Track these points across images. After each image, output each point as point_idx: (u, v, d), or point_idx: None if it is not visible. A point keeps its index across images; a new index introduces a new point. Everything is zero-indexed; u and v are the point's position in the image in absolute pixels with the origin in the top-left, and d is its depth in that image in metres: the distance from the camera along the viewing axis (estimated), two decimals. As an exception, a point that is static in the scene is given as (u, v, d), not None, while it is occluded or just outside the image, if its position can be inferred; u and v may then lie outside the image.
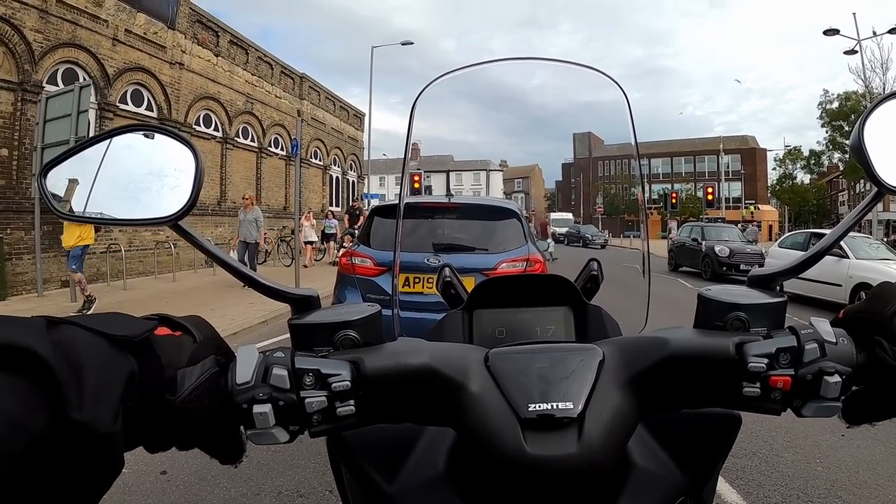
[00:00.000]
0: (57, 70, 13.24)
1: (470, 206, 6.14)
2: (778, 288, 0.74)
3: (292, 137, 17.78)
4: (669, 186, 55.97)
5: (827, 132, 41.52)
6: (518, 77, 1.48)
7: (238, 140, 21.17)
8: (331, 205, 28.43)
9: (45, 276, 11.83)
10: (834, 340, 0.62)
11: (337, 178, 31.29)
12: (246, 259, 13.85)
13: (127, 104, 15.41)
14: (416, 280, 5.11)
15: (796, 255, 0.76)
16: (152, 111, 16.30)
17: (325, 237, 22.45)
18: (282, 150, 24.34)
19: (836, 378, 0.60)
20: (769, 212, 64.59)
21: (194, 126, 18.23)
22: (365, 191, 33.67)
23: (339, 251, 19.54)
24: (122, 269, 13.82)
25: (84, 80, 12.88)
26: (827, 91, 45.29)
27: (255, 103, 22.22)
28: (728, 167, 65.78)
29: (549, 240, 23.17)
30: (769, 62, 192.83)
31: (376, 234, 5.81)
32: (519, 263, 5.22)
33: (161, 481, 4.09)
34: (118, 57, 14.94)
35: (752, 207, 60.29)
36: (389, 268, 5.24)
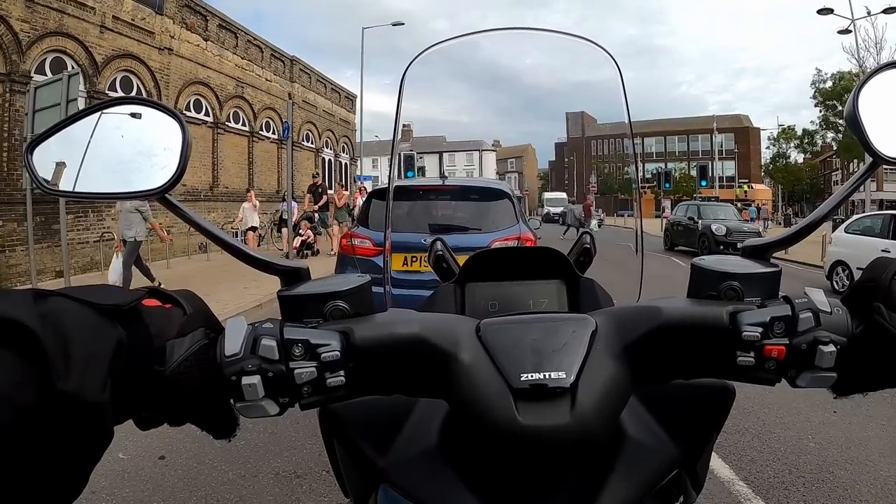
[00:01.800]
0: (45, 59, 13.15)
1: (463, 188, 6.44)
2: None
3: (283, 121, 17.46)
4: (663, 165, 55.70)
5: (820, 111, 41.29)
6: (511, 56, 1.44)
7: (229, 125, 21.09)
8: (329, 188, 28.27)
9: (39, 268, 11.71)
10: (829, 310, 0.61)
11: (329, 160, 31.18)
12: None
13: (116, 91, 15.24)
14: (414, 259, 5.24)
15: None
16: (142, 98, 16.11)
17: (281, 223, 19.02)
18: (273, 133, 24.22)
19: (831, 348, 0.60)
20: (762, 191, 64.15)
21: (185, 111, 18.01)
22: (358, 173, 33.48)
23: (294, 240, 17.37)
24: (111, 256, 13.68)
25: (72, 68, 12.73)
26: (820, 70, 44.86)
27: (246, 87, 22.10)
28: (722, 146, 65.22)
29: (594, 220, 22.67)
30: (763, 41, 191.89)
31: (374, 216, 6.06)
32: (511, 242, 5.40)
33: (159, 466, 4.14)
34: (106, 44, 14.82)
35: (745, 186, 60.34)
36: (398, 249, 5.43)
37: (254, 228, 17.54)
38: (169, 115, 0.74)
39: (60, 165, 0.72)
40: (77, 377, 0.47)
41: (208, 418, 0.62)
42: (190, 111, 18.63)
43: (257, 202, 17.69)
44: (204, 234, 0.74)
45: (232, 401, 0.61)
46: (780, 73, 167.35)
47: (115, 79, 15.34)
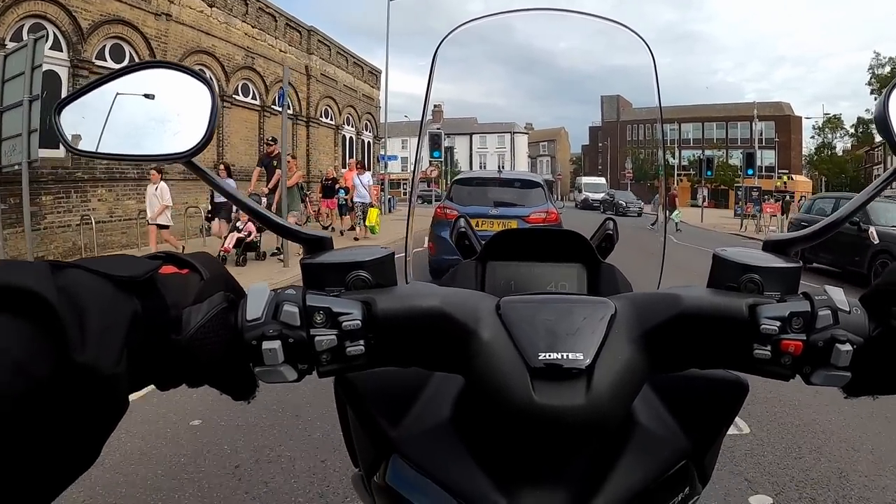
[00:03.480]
0: (22, 26, 12.01)
1: (512, 178, 8.08)
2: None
3: (280, 87, 15.32)
4: (700, 152, 53.82)
5: (876, 99, 38.74)
6: (546, 39, 1.57)
7: (237, 98, 19.76)
8: (344, 167, 26.56)
9: (13, 254, 10.92)
10: (847, 309, 0.62)
11: (351, 138, 29.85)
12: None
13: (105, 60, 14.09)
14: (483, 222, 6.71)
15: None
16: (136, 67, 14.90)
17: (214, 209, 13.53)
18: (288, 108, 22.69)
19: (848, 347, 0.60)
20: (803, 182, 61.84)
21: (185, 84, 16.74)
22: (382, 152, 32.22)
23: (228, 237, 11.95)
24: (94, 241, 12.77)
25: (48, 33, 11.51)
26: (878, 54, 41.78)
27: (257, 58, 20.69)
28: (762, 134, 63.02)
29: (678, 210, 25.23)
30: (804, 28, 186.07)
31: (458, 196, 7.76)
32: (542, 213, 6.88)
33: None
34: (93, 9, 13.61)
35: (785, 177, 58.20)
36: (470, 216, 6.77)
37: (162, 226, 12.26)
38: (198, 79, 0.75)
39: (88, 126, 0.72)
40: (93, 350, 0.48)
41: (227, 381, 0.63)
42: (192, 83, 17.26)
43: (162, 184, 12.16)
44: (229, 199, 0.77)
45: (251, 365, 0.61)
46: (820, 63, 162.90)
47: (103, 46, 14.14)
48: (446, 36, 1.11)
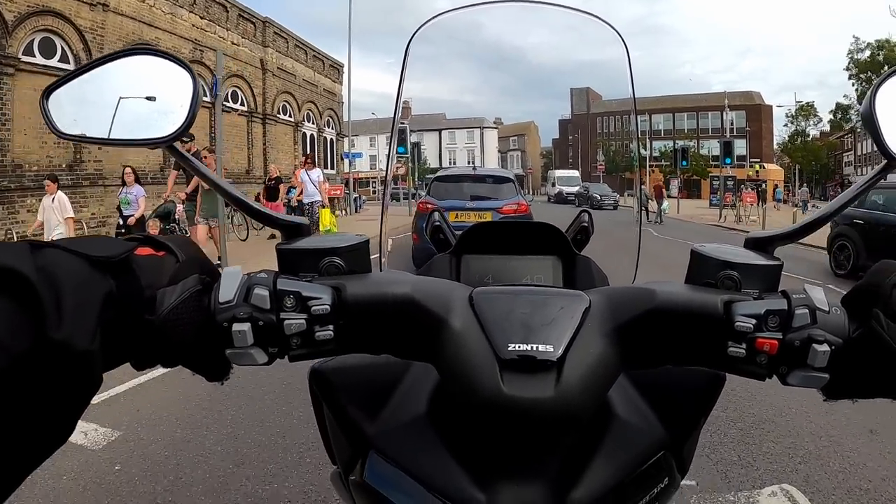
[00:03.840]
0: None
1: (486, 175, 9.27)
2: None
3: (213, 74, 13.48)
4: (671, 143, 53.55)
5: (854, 85, 38.06)
6: (515, 35, 1.54)
7: (185, 95, 18.53)
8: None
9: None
10: (826, 309, 0.61)
11: (312, 135, 28.89)
12: None
13: (34, 56, 13.20)
14: (461, 214, 7.20)
15: None
16: (68, 63, 13.88)
17: (123, 220, 11.47)
18: (242, 104, 21.88)
19: (825, 347, 0.59)
20: (774, 171, 62.17)
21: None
22: (345, 150, 31.21)
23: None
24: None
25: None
26: (858, 38, 40.63)
27: (206, 51, 19.61)
28: (733, 124, 62.91)
29: (665, 202, 25.82)
30: (769, 20, 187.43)
31: (437, 191, 8.50)
32: (513, 205, 7.68)
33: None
34: (19, -1, 12.54)
35: (757, 166, 58.17)
36: (449, 209, 7.10)
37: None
38: (180, 66, 0.75)
39: (74, 111, 0.74)
40: (68, 327, 0.49)
41: (201, 362, 0.63)
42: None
43: (58, 194, 10.33)
44: (209, 184, 0.76)
45: (223, 347, 0.62)
46: (786, 53, 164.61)
47: (31, 41, 13.18)
48: (418, 29, 1.11)
